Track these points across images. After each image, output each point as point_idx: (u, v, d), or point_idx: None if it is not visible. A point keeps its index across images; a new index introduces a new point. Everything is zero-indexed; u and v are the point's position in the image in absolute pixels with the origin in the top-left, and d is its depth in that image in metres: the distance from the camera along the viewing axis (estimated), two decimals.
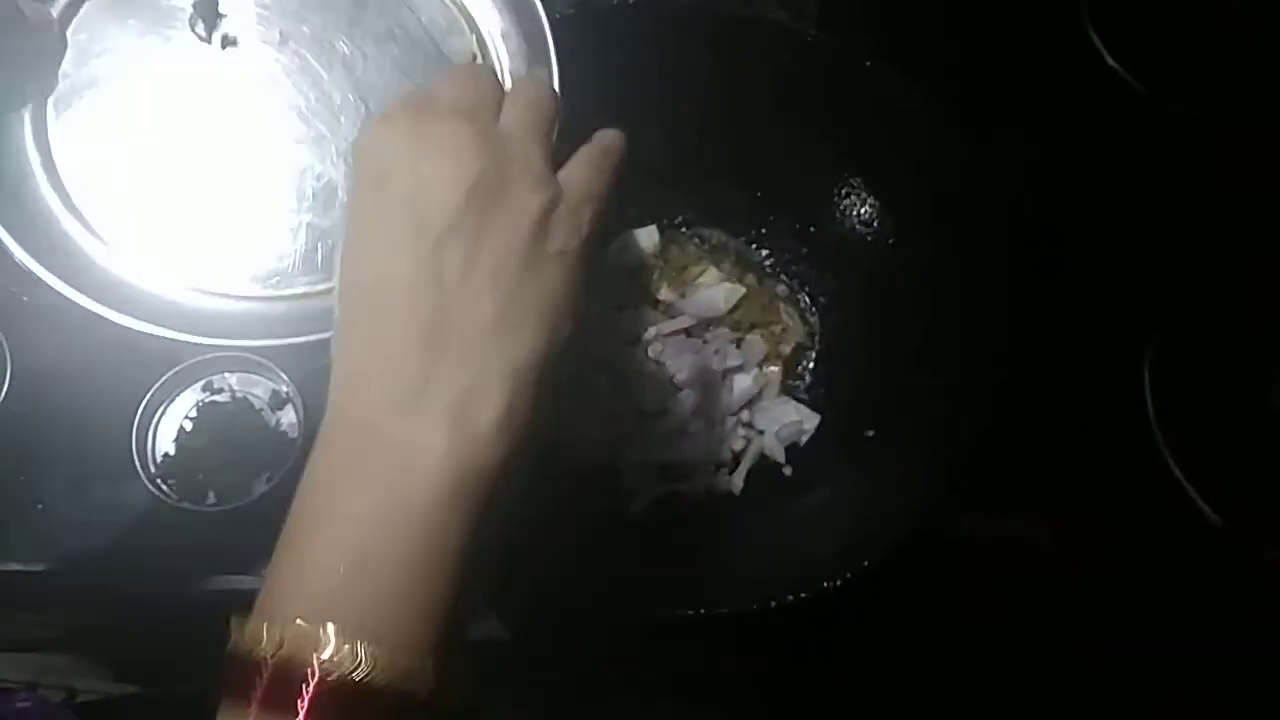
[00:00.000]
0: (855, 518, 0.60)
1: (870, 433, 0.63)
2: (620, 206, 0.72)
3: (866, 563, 0.53)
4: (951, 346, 0.61)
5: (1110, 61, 0.80)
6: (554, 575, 0.52)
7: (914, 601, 0.63)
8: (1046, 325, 0.68)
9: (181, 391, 0.72)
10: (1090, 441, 0.73)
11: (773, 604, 0.51)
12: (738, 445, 0.66)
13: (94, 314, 0.49)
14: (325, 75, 0.54)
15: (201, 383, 0.72)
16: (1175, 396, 0.72)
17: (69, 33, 0.53)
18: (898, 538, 0.54)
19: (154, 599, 0.68)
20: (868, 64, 0.62)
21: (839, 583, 0.52)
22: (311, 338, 0.49)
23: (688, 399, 0.66)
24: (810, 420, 0.66)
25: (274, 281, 0.53)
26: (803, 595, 0.52)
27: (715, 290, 0.69)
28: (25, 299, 0.71)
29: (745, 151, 0.68)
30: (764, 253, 0.72)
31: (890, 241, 0.66)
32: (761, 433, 0.67)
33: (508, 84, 0.40)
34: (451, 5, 0.56)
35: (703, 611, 0.51)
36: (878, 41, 0.64)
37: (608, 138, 0.41)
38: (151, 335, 0.49)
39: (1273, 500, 0.69)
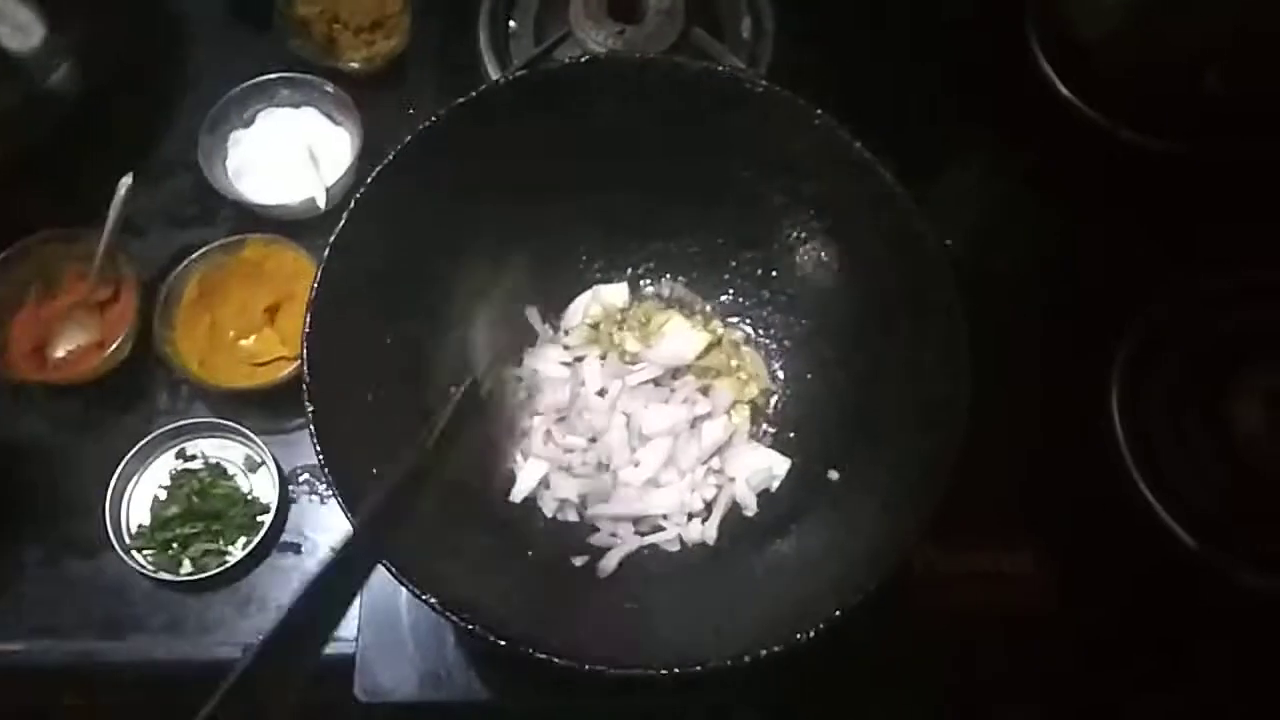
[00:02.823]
0: (828, 562, 0.60)
1: (835, 475, 0.63)
2: (586, 262, 0.73)
3: (838, 611, 0.53)
4: (913, 384, 0.62)
5: (1064, 91, 0.82)
6: (530, 635, 0.52)
7: (887, 636, 0.64)
8: (1011, 354, 0.69)
9: (154, 460, 0.72)
10: (1060, 470, 0.73)
11: (746, 659, 0.52)
12: (709, 494, 0.67)
13: None
14: None
15: (174, 450, 0.72)
16: (1143, 421, 0.73)
17: None
18: (870, 582, 0.54)
19: (131, 671, 0.67)
20: (818, 113, 0.62)
21: (812, 634, 0.52)
22: None
23: (658, 449, 0.66)
24: (780, 465, 0.67)
25: None
26: (776, 649, 0.52)
27: (681, 339, 0.70)
28: None
29: (705, 200, 0.69)
30: (726, 299, 0.73)
31: (848, 283, 0.67)
32: (733, 479, 0.67)
33: None
34: None
35: (676, 671, 0.51)
36: (828, 87, 0.65)
37: None
38: None
39: (1245, 520, 0.70)
